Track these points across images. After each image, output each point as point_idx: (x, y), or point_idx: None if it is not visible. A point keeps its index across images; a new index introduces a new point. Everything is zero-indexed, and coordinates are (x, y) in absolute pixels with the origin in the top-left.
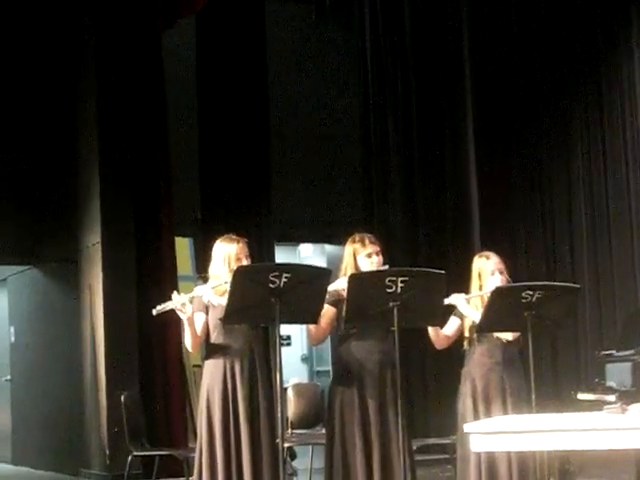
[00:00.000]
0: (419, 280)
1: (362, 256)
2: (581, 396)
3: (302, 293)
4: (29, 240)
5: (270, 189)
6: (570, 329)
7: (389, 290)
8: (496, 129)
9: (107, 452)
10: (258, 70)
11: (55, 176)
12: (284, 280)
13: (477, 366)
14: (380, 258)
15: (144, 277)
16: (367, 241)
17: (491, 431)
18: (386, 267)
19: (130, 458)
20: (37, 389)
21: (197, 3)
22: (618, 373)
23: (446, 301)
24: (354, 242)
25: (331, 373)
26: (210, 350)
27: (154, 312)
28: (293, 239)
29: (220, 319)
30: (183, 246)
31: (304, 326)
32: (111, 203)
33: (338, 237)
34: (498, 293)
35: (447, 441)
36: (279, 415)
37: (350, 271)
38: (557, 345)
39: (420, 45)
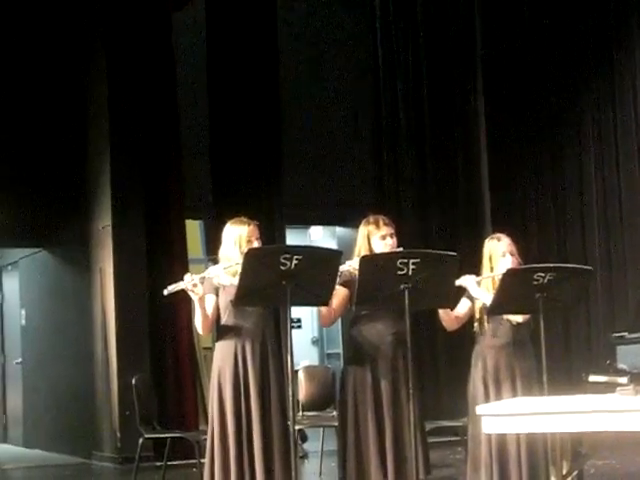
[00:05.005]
0: (431, 262)
1: (376, 238)
2: (593, 378)
3: (313, 275)
4: (40, 223)
5: (281, 171)
6: (582, 311)
7: (400, 272)
8: (507, 110)
9: (118, 435)
10: (269, 51)
11: (66, 159)
12: (295, 262)
13: (487, 348)
14: (394, 240)
15: (155, 260)
16: (381, 223)
17: (503, 413)
18: (400, 249)
19: (141, 441)
20: (48, 372)
21: None
22: (630, 355)
23: (456, 283)
24: (368, 224)
25: (342, 355)
26: (221, 332)
27: (165, 292)
28: (304, 222)
29: (231, 301)
30: (193, 229)
31: (314, 309)
32: (122, 186)
33: (349, 220)
34: (510, 275)
35: (458, 423)
36: (290, 397)
37: (364, 253)
38: (569, 327)
39: (431, 24)
